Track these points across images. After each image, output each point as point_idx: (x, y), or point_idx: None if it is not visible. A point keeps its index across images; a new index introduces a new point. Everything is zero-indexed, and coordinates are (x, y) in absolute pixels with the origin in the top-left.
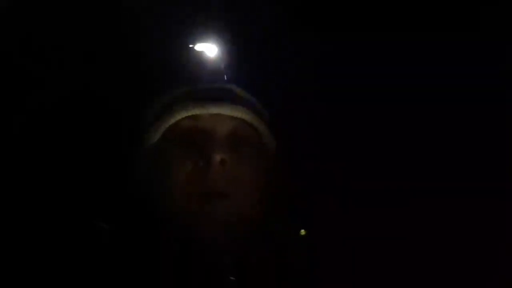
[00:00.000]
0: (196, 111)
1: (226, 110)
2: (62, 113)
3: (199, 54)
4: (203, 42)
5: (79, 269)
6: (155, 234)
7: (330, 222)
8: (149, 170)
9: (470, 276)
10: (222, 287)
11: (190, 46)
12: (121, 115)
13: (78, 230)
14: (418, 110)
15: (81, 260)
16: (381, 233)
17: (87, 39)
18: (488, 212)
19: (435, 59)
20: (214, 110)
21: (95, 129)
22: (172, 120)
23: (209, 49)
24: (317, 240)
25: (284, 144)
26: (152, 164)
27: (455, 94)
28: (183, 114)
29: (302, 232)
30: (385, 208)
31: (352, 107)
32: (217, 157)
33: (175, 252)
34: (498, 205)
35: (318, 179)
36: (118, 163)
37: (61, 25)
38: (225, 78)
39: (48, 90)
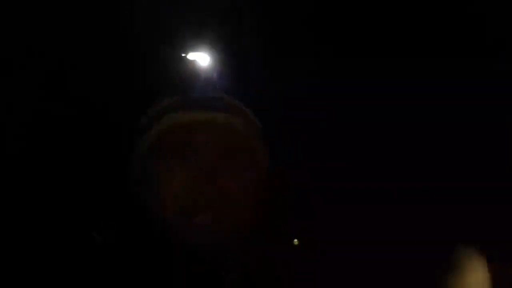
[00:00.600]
0: (187, 119)
1: (217, 119)
2: (60, 120)
3: (192, 63)
4: (195, 51)
5: (78, 274)
6: (154, 236)
7: (322, 231)
8: (141, 179)
9: None
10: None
11: (183, 55)
12: (114, 124)
13: (77, 236)
14: (415, 111)
15: (80, 265)
16: (376, 241)
17: (83, 47)
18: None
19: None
20: (205, 117)
21: (89, 137)
22: (164, 127)
23: (201, 58)
24: (311, 249)
25: (275, 154)
26: (143, 174)
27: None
28: (174, 121)
29: (295, 242)
30: (380, 217)
31: (346, 117)
32: (209, 167)
33: (175, 253)
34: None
35: (309, 189)
36: (112, 170)
37: (55, 34)
38: (217, 88)
39: (47, 95)
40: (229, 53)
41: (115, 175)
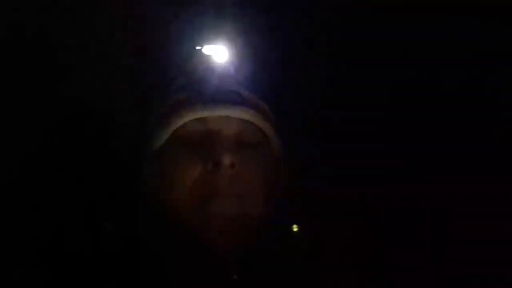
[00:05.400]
0: (204, 113)
1: (234, 112)
2: (70, 116)
3: (207, 57)
4: (211, 44)
5: (85, 269)
6: (161, 235)
7: (333, 224)
8: (156, 173)
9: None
10: (226, 287)
11: (198, 48)
12: (129, 119)
13: (85, 231)
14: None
15: (87, 260)
16: (383, 233)
17: (94, 43)
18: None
19: None
20: (222, 112)
21: (103, 132)
22: (180, 122)
23: (217, 52)
24: (319, 241)
25: (290, 148)
26: (159, 167)
27: None
28: (191, 117)
29: (295, 227)
30: (389, 210)
31: (358, 111)
32: (226, 160)
33: (181, 253)
34: None
35: (322, 184)
36: (126, 166)
37: (68, 26)
38: (233, 82)
39: (54, 93)
40: (245, 47)
41: (123, 176)
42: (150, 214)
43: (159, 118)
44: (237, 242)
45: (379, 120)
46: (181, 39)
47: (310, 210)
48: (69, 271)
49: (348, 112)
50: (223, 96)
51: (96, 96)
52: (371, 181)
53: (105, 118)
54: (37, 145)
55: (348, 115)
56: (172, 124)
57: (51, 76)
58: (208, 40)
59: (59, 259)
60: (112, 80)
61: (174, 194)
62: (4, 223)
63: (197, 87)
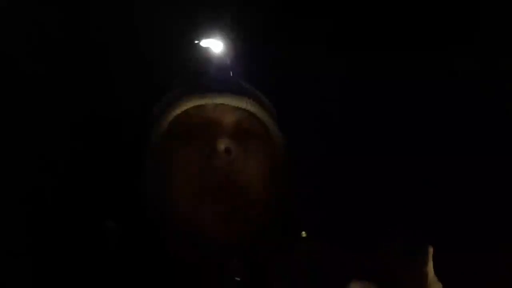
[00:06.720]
0: (201, 101)
1: (231, 101)
2: (72, 112)
3: (205, 50)
4: (208, 38)
5: (86, 270)
6: (161, 232)
7: (333, 222)
8: (158, 167)
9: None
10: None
11: (196, 42)
12: (129, 111)
13: (87, 229)
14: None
15: (88, 260)
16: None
17: (95, 38)
18: None
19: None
20: (219, 100)
21: (103, 125)
22: (178, 111)
23: (214, 45)
24: (321, 241)
25: (289, 139)
26: (160, 161)
27: None
28: (189, 105)
29: (303, 234)
30: (385, 208)
31: (356, 107)
32: (222, 146)
33: (181, 252)
34: None
35: (322, 176)
36: (128, 164)
37: (68, 22)
38: (231, 73)
39: (55, 91)
40: (241, 39)
41: (123, 169)
42: (152, 212)
43: (159, 110)
44: (239, 242)
45: (380, 119)
46: (179, 34)
47: (314, 212)
48: (71, 270)
49: (348, 111)
50: (221, 85)
51: (98, 97)
52: (373, 179)
53: (106, 117)
54: (37, 145)
55: (347, 114)
56: (170, 114)
57: (50, 75)
58: (205, 34)
59: (61, 258)
60: (113, 81)
61: (174, 187)
62: (5, 223)
63: (196, 78)
